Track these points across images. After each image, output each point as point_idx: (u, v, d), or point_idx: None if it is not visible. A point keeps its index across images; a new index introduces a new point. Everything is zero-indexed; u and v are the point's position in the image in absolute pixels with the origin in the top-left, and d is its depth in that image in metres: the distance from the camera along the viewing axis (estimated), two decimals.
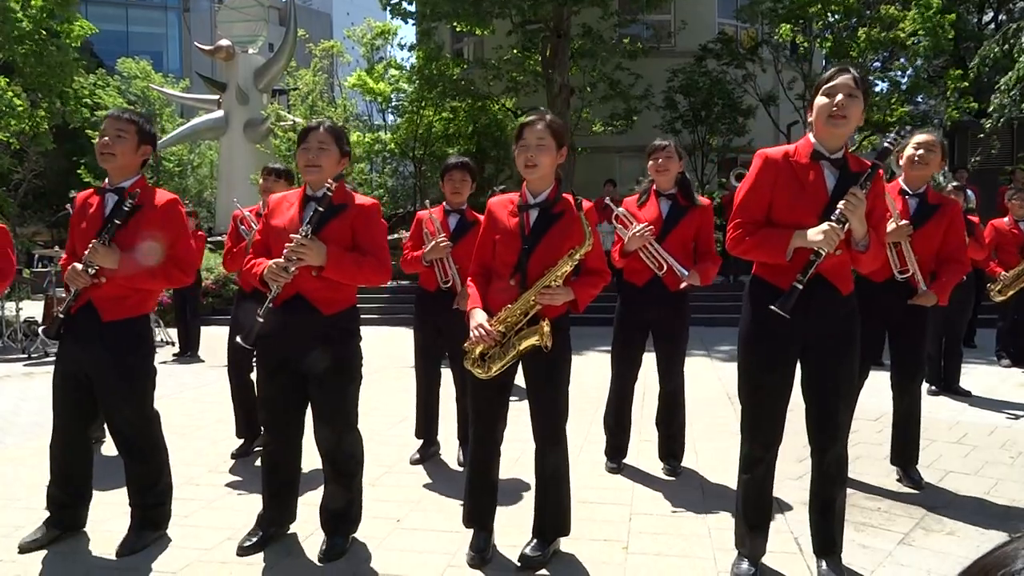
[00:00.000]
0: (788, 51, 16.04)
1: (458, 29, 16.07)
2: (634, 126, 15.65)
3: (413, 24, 16.10)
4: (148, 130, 3.08)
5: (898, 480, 3.80)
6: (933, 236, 3.70)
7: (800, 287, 2.46)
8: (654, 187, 3.86)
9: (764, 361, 2.64)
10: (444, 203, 4.22)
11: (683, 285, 3.73)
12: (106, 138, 2.97)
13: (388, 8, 15.67)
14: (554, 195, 2.80)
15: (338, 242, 2.83)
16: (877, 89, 16.43)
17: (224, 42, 15.89)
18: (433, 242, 4.03)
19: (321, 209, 2.81)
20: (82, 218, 3.06)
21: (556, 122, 2.81)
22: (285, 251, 2.75)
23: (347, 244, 2.87)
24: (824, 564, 2.66)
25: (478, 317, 2.75)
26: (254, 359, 3.33)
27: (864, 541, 3.07)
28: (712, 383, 6.52)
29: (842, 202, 2.40)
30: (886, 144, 2.57)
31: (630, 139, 15.93)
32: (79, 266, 2.90)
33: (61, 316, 3.00)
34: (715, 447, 4.40)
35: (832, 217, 2.42)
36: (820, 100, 2.51)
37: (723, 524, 3.18)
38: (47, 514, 3.14)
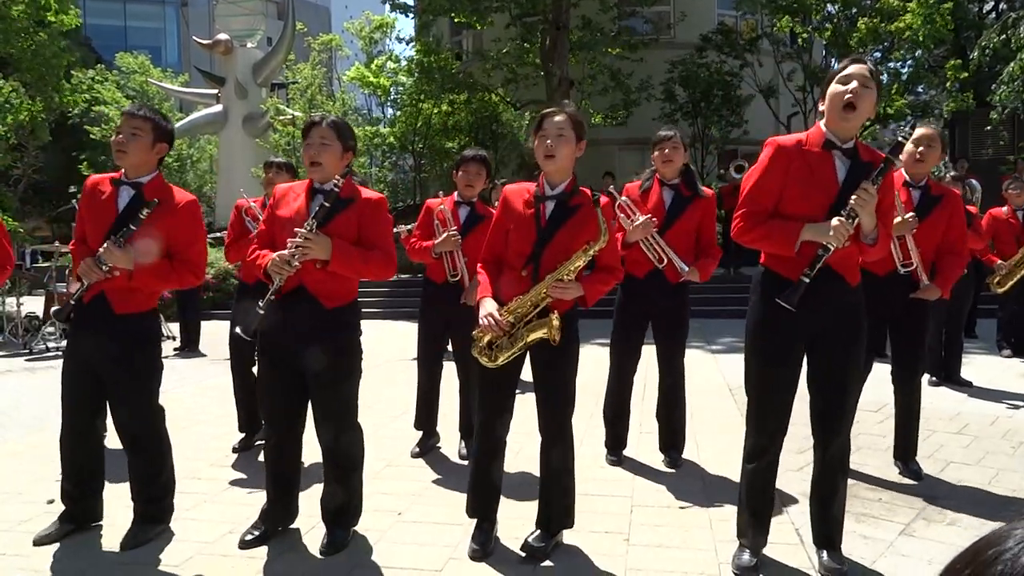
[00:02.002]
0: (787, 42, 16.00)
1: (457, 21, 16.02)
2: (633, 118, 15.63)
3: (412, 18, 16.05)
4: (165, 127, 3.04)
5: (899, 472, 3.81)
6: (936, 228, 3.69)
7: (807, 280, 2.45)
8: (657, 176, 3.84)
9: (772, 353, 2.63)
10: (455, 194, 4.16)
11: (683, 279, 3.72)
12: (120, 136, 2.94)
13: (388, 2, 15.62)
14: (571, 187, 2.78)
15: (344, 236, 2.81)
16: None
17: (222, 36, 15.84)
18: (444, 234, 3.98)
19: (327, 204, 2.79)
20: (92, 205, 3.01)
21: (577, 115, 2.80)
22: (289, 245, 2.73)
23: (352, 238, 2.85)
24: (825, 555, 2.66)
25: (488, 306, 2.73)
26: (256, 353, 3.32)
27: (865, 532, 3.07)
28: (713, 375, 6.52)
29: (853, 197, 2.39)
30: (900, 138, 2.57)
31: (629, 131, 15.90)
32: (91, 261, 2.87)
33: (73, 302, 2.96)
34: (716, 439, 4.41)
35: (843, 212, 2.41)
36: (834, 88, 2.49)
37: (724, 515, 3.18)
38: (49, 507, 3.15)
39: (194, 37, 18.20)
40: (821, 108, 2.57)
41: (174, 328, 9.42)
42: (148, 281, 2.96)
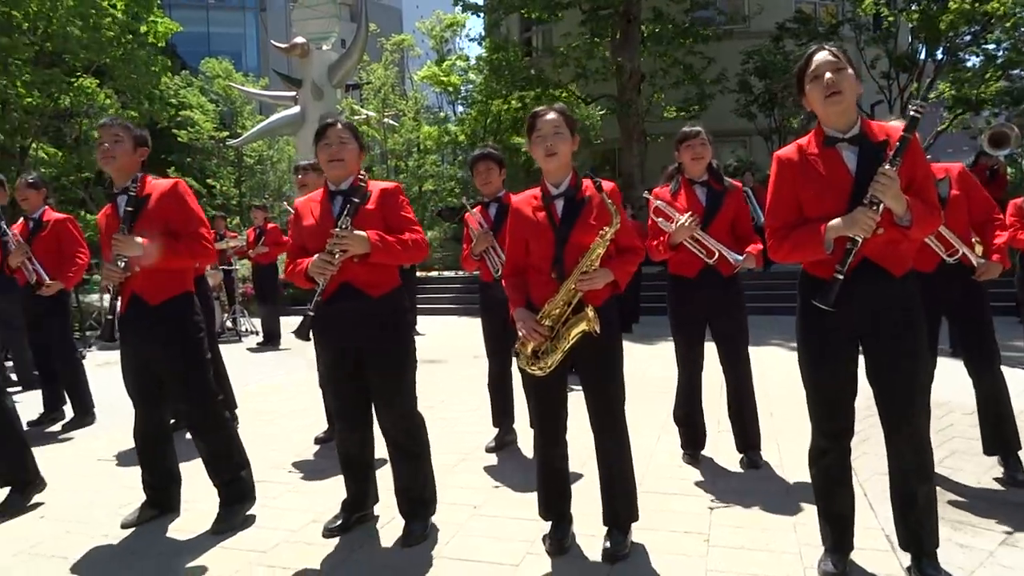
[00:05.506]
0: (871, 27, 15.35)
1: (526, 16, 16.04)
2: (708, 111, 15.29)
3: (481, 17, 16.15)
4: (140, 135, 3.31)
5: (997, 479, 3.60)
6: (959, 208, 3.54)
7: (841, 277, 2.37)
8: (684, 176, 3.78)
9: (817, 354, 2.56)
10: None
11: (737, 269, 3.65)
12: (105, 144, 3.19)
13: (459, 3, 15.77)
14: (575, 182, 2.82)
15: (374, 227, 2.91)
16: (968, 64, 15.55)
17: (299, 39, 16.26)
18: (477, 235, 4.11)
19: (356, 200, 2.91)
20: (105, 227, 3.26)
21: (567, 111, 2.85)
22: (328, 245, 2.84)
23: (382, 228, 2.95)
24: (918, 562, 2.54)
25: (522, 316, 2.77)
26: (316, 354, 3.44)
27: (962, 540, 2.92)
28: (792, 372, 6.31)
29: (872, 183, 2.30)
30: (912, 113, 2.41)
31: (704, 125, 15.54)
32: (108, 264, 3.13)
33: (110, 318, 3.21)
34: (798, 439, 4.26)
35: (864, 200, 2.32)
36: (810, 88, 2.44)
37: (808, 519, 3.08)
38: (144, 494, 3.33)
39: (272, 41, 18.78)
40: (810, 110, 2.51)
41: (257, 323, 9.78)
42: (161, 259, 3.12)
